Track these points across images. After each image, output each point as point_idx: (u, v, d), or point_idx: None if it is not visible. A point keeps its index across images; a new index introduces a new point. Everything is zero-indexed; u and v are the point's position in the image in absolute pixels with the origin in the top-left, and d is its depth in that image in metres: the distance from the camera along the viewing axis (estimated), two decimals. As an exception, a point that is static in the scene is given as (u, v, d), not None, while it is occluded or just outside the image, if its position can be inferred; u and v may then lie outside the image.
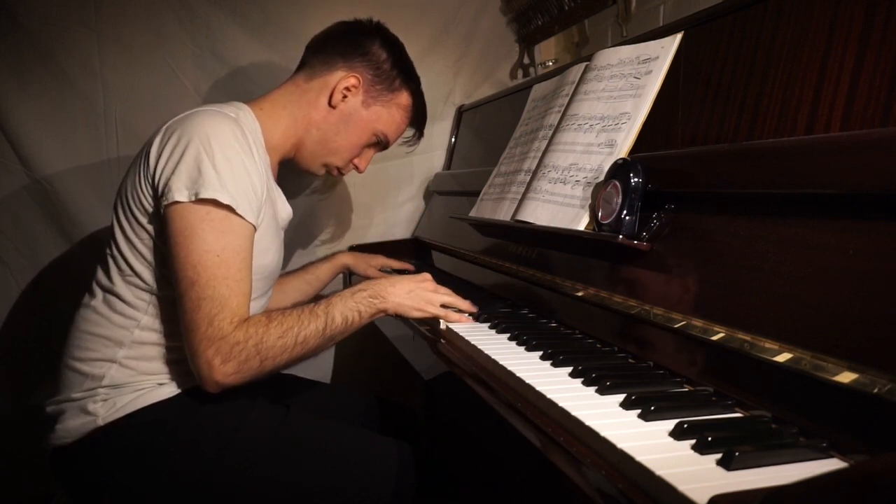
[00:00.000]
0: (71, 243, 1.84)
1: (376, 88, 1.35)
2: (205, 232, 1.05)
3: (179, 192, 1.04)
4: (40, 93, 1.74)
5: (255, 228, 1.12)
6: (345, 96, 1.32)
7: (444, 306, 1.24)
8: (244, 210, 1.08)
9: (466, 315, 1.25)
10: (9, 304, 1.84)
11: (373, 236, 2.14)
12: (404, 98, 1.39)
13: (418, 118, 1.46)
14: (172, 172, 1.06)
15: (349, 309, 1.15)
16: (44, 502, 1.57)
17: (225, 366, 1.02)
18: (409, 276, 1.26)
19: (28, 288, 1.85)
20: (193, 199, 1.04)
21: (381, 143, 1.43)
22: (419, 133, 1.50)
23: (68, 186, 1.80)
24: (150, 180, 1.10)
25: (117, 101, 1.80)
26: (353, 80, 1.31)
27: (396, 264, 1.81)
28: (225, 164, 1.07)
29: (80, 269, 1.21)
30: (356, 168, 1.43)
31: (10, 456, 1.83)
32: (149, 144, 1.13)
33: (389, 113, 1.38)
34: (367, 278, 1.65)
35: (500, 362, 0.95)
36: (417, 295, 1.22)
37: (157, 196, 1.09)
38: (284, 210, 1.33)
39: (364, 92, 1.33)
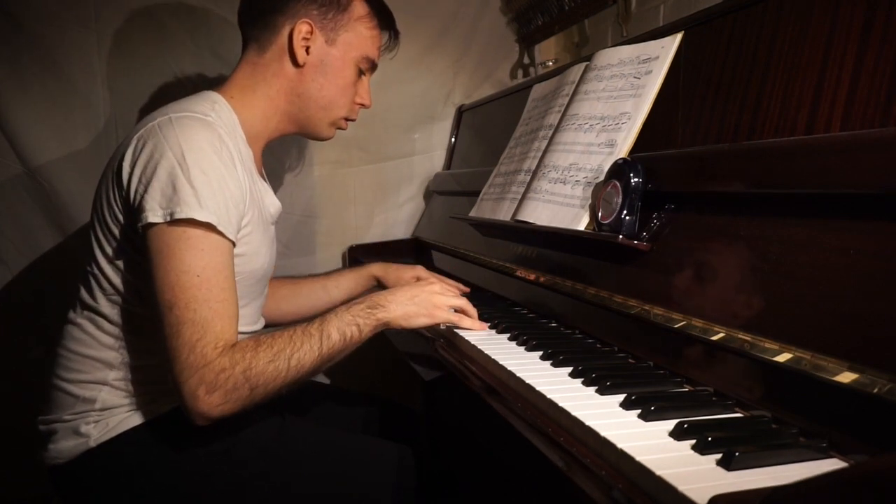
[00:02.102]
0: (71, 243, 1.84)
1: (329, 19, 1.20)
2: (182, 252, 0.97)
3: (153, 213, 0.98)
4: (40, 93, 1.74)
5: (234, 245, 1.05)
6: (307, 48, 1.19)
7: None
8: (224, 226, 1.01)
9: (480, 323, 1.16)
10: (9, 305, 1.84)
11: (373, 236, 2.14)
12: (358, 8, 1.24)
13: (383, 18, 1.30)
14: (146, 191, 0.99)
15: (346, 324, 1.06)
16: (44, 502, 1.57)
17: (210, 396, 0.94)
18: (412, 283, 1.20)
19: (29, 288, 1.85)
20: (168, 219, 0.97)
21: (368, 68, 1.29)
22: (394, 33, 1.34)
23: (69, 186, 1.79)
24: (124, 197, 1.04)
25: (117, 101, 1.80)
26: (305, 28, 1.18)
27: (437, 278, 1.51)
28: (201, 178, 0.99)
29: (79, 269, 1.21)
30: (363, 105, 1.31)
31: (10, 456, 1.83)
32: (120, 156, 1.05)
33: (356, 33, 1.23)
34: None
35: (501, 362, 0.95)
36: (423, 300, 1.13)
37: (132, 213, 1.02)
38: (273, 205, 1.27)
39: (320, 30, 1.20)
